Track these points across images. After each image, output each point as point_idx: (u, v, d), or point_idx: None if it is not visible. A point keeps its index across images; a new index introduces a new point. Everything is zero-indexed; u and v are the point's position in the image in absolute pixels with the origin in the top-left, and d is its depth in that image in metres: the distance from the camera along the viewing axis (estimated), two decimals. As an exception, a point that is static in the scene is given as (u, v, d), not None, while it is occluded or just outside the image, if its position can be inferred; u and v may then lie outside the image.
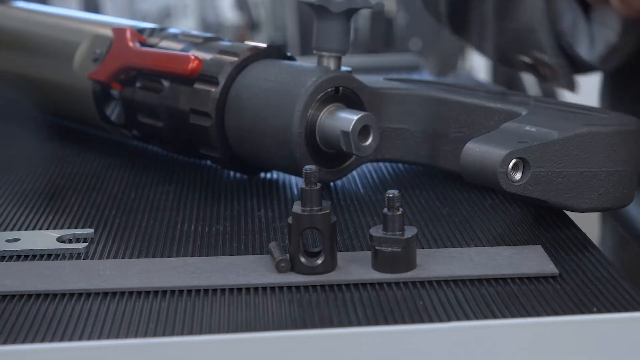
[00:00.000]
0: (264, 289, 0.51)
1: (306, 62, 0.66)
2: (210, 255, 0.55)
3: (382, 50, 2.97)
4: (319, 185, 0.51)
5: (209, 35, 0.71)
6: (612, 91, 0.85)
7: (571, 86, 0.72)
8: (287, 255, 0.52)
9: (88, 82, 0.73)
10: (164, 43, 0.71)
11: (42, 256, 0.56)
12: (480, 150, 0.56)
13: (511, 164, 0.55)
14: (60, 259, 0.55)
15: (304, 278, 0.51)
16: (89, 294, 0.50)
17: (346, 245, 0.56)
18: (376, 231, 0.51)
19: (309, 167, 0.51)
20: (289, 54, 0.69)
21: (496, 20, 0.70)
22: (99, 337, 0.46)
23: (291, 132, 0.62)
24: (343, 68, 0.64)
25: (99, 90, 0.73)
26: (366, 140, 0.62)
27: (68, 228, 0.60)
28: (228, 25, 2.97)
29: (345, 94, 0.63)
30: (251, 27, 2.84)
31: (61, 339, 0.46)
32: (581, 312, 0.47)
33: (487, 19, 0.71)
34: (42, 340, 0.46)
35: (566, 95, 0.88)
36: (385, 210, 0.51)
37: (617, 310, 0.47)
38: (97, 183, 0.69)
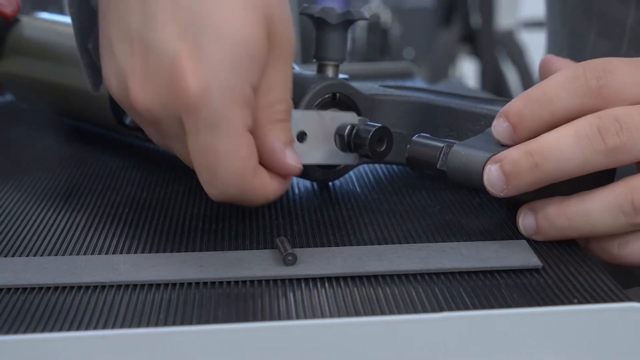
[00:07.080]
0: (267, 281, 0.51)
1: (306, 70, 0.66)
2: (217, 250, 0.55)
3: (378, 58, 2.98)
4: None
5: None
6: None
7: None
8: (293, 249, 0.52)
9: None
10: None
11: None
12: (465, 153, 0.55)
13: None
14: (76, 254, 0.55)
15: (304, 271, 0.51)
16: (103, 287, 0.50)
17: (344, 241, 0.56)
18: None
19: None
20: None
21: None
22: (113, 326, 0.46)
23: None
24: (341, 75, 0.64)
25: (114, 96, 0.73)
26: None
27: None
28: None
29: (342, 100, 0.63)
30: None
31: (78, 328, 0.46)
32: (563, 303, 0.47)
33: None
34: (61, 329, 0.46)
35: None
36: None
37: (596, 301, 0.47)
38: (112, 183, 0.69)
